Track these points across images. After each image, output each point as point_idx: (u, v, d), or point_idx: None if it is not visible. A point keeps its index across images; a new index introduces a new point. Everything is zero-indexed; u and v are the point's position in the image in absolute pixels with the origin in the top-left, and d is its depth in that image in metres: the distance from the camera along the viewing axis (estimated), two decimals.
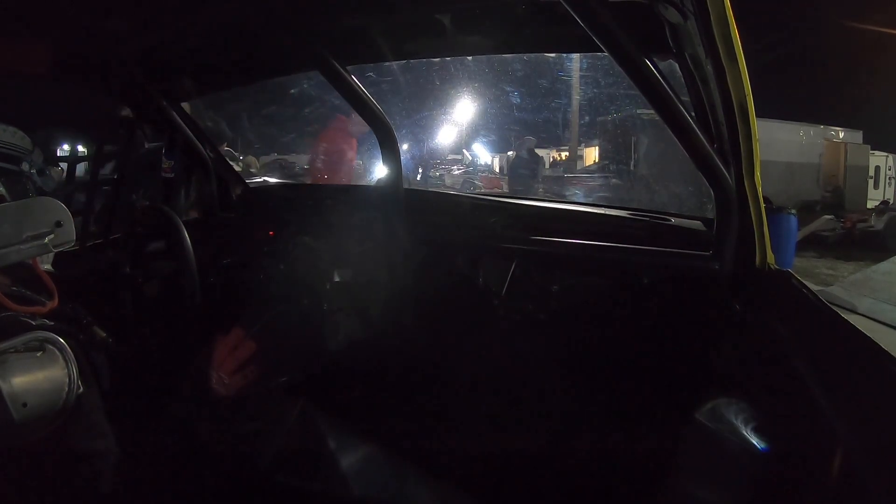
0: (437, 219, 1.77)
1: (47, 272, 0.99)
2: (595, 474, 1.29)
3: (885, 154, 13.82)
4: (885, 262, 7.96)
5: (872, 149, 13.64)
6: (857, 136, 14.03)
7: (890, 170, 13.95)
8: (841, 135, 13.75)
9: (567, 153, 14.68)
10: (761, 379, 1.11)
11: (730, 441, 1.05)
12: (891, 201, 12.88)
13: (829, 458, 0.81)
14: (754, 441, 1.02)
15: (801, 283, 1.13)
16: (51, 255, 1.02)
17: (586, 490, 1.29)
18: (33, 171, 0.99)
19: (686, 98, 1.17)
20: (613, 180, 11.11)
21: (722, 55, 0.96)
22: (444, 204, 1.89)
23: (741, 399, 1.09)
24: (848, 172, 12.73)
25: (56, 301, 0.93)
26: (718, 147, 1.14)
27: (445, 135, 10.89)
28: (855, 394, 0.89)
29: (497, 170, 16.28)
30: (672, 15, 0.98)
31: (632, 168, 10.82)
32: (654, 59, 1.04)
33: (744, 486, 1.01)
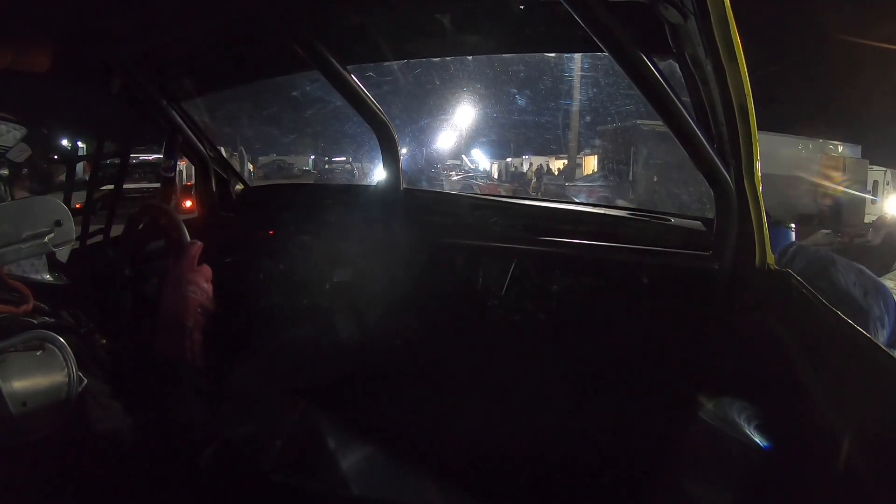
0: (437, 219, 1.77)
1: (45, 280, 0.99)
2: (596, 473, 1.29)
3: (884, 169, 13.85)
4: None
5: (871, 163, 13.66)
6: (856, 150, 14.06)
7: (888, 184, 13.99)
8: (840, 149, 13.77)
9: (566, 162, 14.72)
10: (761, 378, 1.11)
11: (731, 439, 1.05)
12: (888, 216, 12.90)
13: (829, 456, 0.81)
14: (755, 439, 1.02)
15: (801, 283, 1.13)
16: (39, 263, 1.01)
17: (587, 489, 1.29)
18: (3, 171, 0.97)
19: (686, 98, 1.17)
20: (612, 186, 11.15)
21: (722, 56, 0.96)
22: (443, 204, 1.89)
23: (742, 398, 1.09)
24: (846, 187, 12.75)
25: (31, 304, 0.92)
26: (718, 147, 1.14)
27: (443, 140, 10.90)
28: (854, 393, 0.89)
29: (496, 176, 16.33)
30: (672, 15, 0.98)
31: (630, 178, 10.87)
32: (654, 59, 1.04)
33: (745, 483, 1.01)
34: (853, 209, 12.66)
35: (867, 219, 12.50)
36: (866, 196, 13.26)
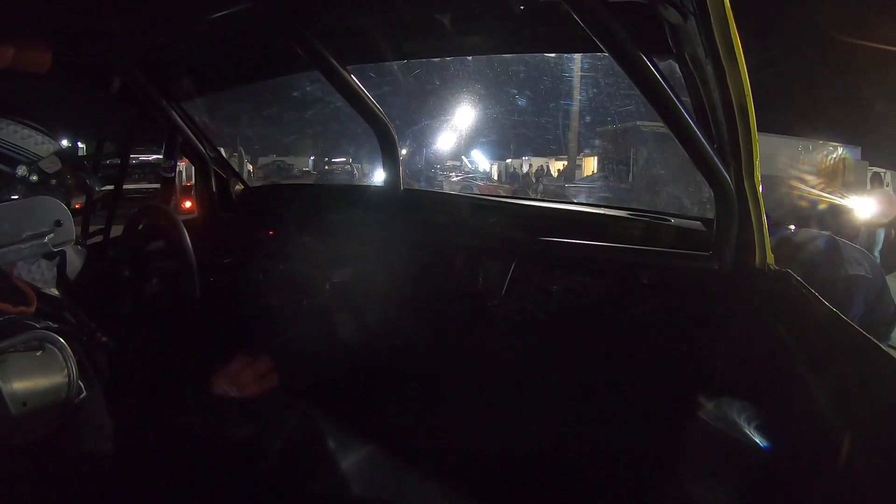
0: (437, 219, 1.77)
1: (49, 293, 1.00)
2: (596, 473, 1.29)
3: (883, 171, 13.84)
4: None
5: (870, 165, 13.63)
6: (856, 152, 14.03)
7: (888, 186, 13.98)
8: (839, 150, 13.75)
9: (566, 163, 14.68)
10: (761, 378, 1.11)
11: (731, 439, 1.05)
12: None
13: (829, 457, 0.81)
14: (755, 439, 1.02)
15: (801, 283, 1.13)
16: (48, 274, 1.02)
17: (587, 489, 1.29)
18: (33, 177, 1.00)
19: (686, 98, 1.17)
20: (612, 188, 11.16)
21: (722, 56, 0.96)
22: (443, 204, 1.89)
23: (742, 398, 1.09)
24: (845, 189, 12.72)
25: (34, 306, 0.92)
26: (718, 147, 1.14)
27: (443, 141, 10.87)
28: (854, 393, 0.89)
29: (495, 177, 16.31)
30: (672, 15, 0.98)
31: (630, 179, 10.87)
32: (654, 59, 1.04)
33: (745, 484, 1.01)
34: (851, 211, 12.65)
35: None
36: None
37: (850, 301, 2.32)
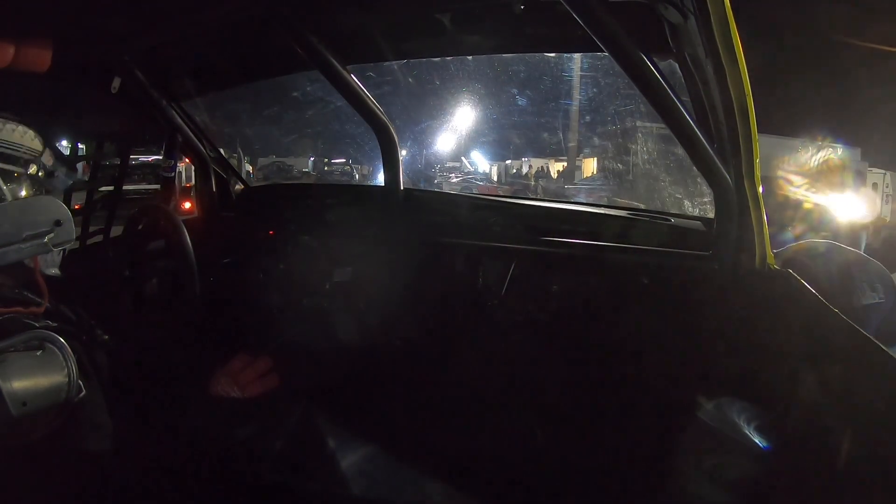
0: (437, 219, 1.77)
1: (50, 275, 1.00)
2: (596, 474, 1.29)
3: (883, 171, 13.81)
4: None
5: (870, 166, 13.62)
6: (856, 153, 14.02)
7: (887, 187, 13.96)
8: (839, 151, 13.73)
9: (565, 164, 14.66)
10: (761, 378, 1.11)
11: (731, 440, 1.05)
12: (888, 218, 12.87)
13: (829, 456, 0.81)
14: (756, 440, 1.02)
15: (801, 283, 1.13)
16: (57, 258, 1.02)
17: (587, 489, 1.29)
18: (39, 173, 1.00)
19: (686, 98, 1.17)
20: (612, 188, 11.17)
21: (722, 55, 0.96)
22: (443, 204, 1.89)
23: (742, 398, 1.09)
24: (843, 190, 12.71)
25: (44, 305, 0.92)
26: (718, 147, 1.14)
27: (443, 142, 10.84)
28: (854, 393, 0.90)
29: (495, 178, 16.30)
30: (672, 15, 0.98)
31: (630, 179, 10.86)
32: (654, 59, 1.04)
33: (745, 484, 1.01)
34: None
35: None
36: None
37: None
